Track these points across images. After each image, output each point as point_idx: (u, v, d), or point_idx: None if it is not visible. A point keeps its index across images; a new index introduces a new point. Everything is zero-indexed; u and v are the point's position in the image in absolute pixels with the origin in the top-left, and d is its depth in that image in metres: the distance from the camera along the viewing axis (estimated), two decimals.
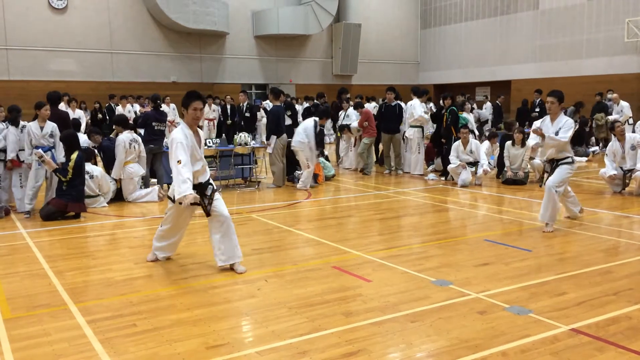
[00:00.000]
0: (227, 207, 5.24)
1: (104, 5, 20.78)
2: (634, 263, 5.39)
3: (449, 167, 10.70)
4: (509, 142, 10.84)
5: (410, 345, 3.60)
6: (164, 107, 14.65)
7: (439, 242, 6.35)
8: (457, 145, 10.71)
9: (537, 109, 17.16)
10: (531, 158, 10.46)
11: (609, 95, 17.61)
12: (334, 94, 17.63)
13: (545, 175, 7.01)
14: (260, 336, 3.77)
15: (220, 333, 3.82)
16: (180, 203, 4.93)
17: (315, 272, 5.17)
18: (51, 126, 8.05)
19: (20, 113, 8.22)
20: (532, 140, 6.90)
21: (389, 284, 4.81)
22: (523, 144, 10.47)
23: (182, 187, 4.78)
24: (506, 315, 4.08)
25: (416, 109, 11.75)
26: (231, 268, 5.21)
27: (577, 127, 16.13)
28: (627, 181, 9.38)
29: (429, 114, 12.63)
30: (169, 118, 13.83)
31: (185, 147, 4.91)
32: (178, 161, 4.85)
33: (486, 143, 11.52)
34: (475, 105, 18.70)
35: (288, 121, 13.10)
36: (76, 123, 10.07)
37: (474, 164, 10.65)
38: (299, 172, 11.10)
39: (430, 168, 12.42)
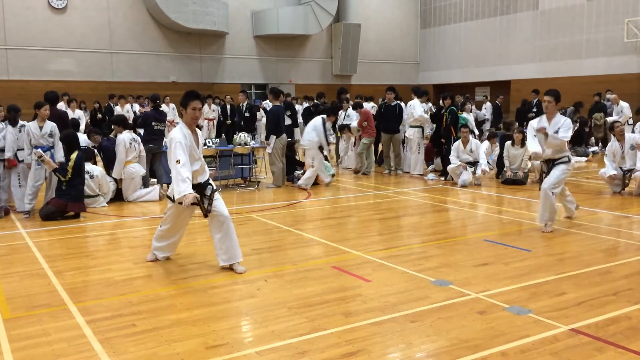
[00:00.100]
0: (226, 207, 5.24)
1: (103, 5, 20.78)
2: (634, 263, 5.39)
3: (449, 167, 10.70)
4: (508, 142, 10.84)
5: (409, 345, 3.60)
6: (163, 107, 14.66)
7: (438, 242, 6.35)
8: (457, 144, 10.71)
9: (534, 109, 17.17)
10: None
11: (608, 96, 17.62)
12: (334, 94, 17.66)
13: (543, 175, 6.99)
14: (260, 336, 3.77)
15: (220, 333, 3.82)
16: (180, 203, 4.93)
17: (315, 272, 5.16)
18: (50, 126, 8.05)
19: (19, 113, 8.22)
20: (532, 147, 6.82)
21: (388, 284, 4.81)
22: (522, 144, 10.47)
23: (182, 186, 4.78)
24: (506, 315, 4.08)
25: (416, 109, 11.75)
26: (230, 268, 5.21)
27: (576, 127, 16.19)
28: (626, 181, 9.39)
29: (429, 114, 12.64)
30: (168, 118, 13.83)
31: (184, 146, 4.91)
32: (177, 161, 4.85)
33: (486, 143, 11.52)
34: (474, 106, 18.71)
35: (288, 121, 13.11)
36: (75, 123, 10.07)
37: (474, 163, 10.65)
38: (298, 172, 11.10)
39: (430, 168, 12.42)
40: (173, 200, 5.19)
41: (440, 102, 12.26)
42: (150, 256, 5.60)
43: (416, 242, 6.41)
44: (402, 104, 12.35)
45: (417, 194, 9.72)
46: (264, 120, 15.46)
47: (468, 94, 22.50)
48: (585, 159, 14.78)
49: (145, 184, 9.54)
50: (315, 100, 15.68)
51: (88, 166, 8.55)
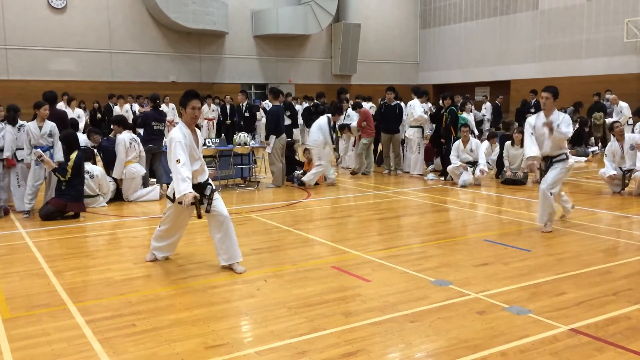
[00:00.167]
0: (226, 207, 5.24)
1: (103, 5, 20.77)
2: (633, 263, 5.39)
3: (449, 167, 10.70)
4: (508, 142, 10.84)
5: (409, 345, 3.60)
6: (163, 107, 14.64)
7: (438, 242, 6.35)
8: (457, 144, 10.72)
9: (532, 110, 17.19)
10: None
11: (607, 96, 17.64)
12: (334, 93, 17.65)
13: (539, 172, 6.94)
14: (260, 336, 3.77)
15: (220, 333, 3.82)
16: (180, 203, 4.93)
17: (315, 272, 5.16)
18: (50, 125, 8.04)
19: (18, 112, 8.22)
20: (528, 150, 6.80)
21: (388, 284, 4.81)
22: (522, 144, 10.44)
23: (182, 186, 4.77)
24: (505, 315, 4.08)
25: (416, 109, 11.75)
26: (230, 268, 5.21)
27: (576, 127, 16.20)
28: (626, 181, 9.39)
29: (429, 114, 12.63)
30: (168, 118, 13.82)
31: (184, 146, 4.91)
32: (177, 160, 4.84)
33: (485, 143, 11.52)
34: (472, 106, 18.72)
35: (287, 121, 13.11)
36: (74, 123, 10.06)
37: (474, 163, 10.65)
38: (298, 171, 11.10)
39: (430, 168, 12.42)
40: (172, 200, 5.19)
41: (440, 102, 12.26)
42: (150, 256, 5.60)
43: (416, 242, 6.41)
44: (402, 104, 12.36)
45: (417, 194, 9.72)
46: (264, 120, 15.47)
47: (468, 94, 22.49)
48: (585, 159, 14.79)
49: (145, 183, 9.54)
50: (315, 100, 15.66)
51: (88, 166, 8.56)
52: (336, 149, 14.41)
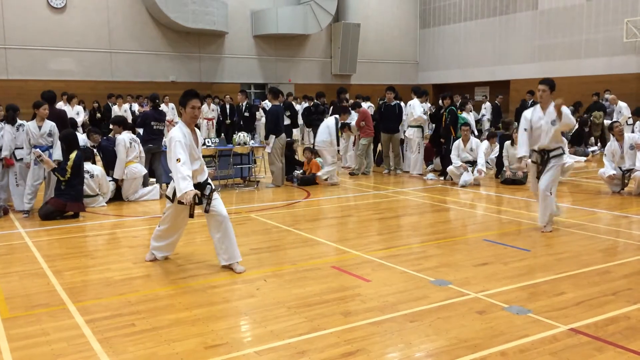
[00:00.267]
0: (225, 207, 5.24)
1: (102, 5, 20.76)
2: (633, 263, 5.39)
3: (450, 168, 10.71)
4: (507, 142, 10.84)
5: (409, 345, 3.60)
6: (162, 107, 14.64)
7: (437, 242, 6.35)
8: (457, 143, 10.73)
9: None
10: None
11: (606, 96, 17.65)
12: (333, 93, 17.65)
13: (533, 164, 6.77)
14: (259, 336, 3.77)
15: (219, 333, 3.82)
16: (180, 202, 4.94)
17: (314, 272, 5.16)
18: (49, 125, 8.03)
19: (17, 112, 8.22)
20: (520, 150, 6.77)
21: (388, 283, 4.81)
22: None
23: (182, 184, 4.78)
24: (505, 315, 4.08)
25: (415, 109, 11.75)
26: (230, 268, 5.21)
27: (576, 127, 16.20)
28: (625, 181, 9.39)
29: (428, 114, 12.63)
30: (167, 117, 13.82)
31: (184, 145, 4.92)
32: (177, 159, 4.85)
33: (485, 143, 11.52)
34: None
35: (287, 121, 13.11)
36: (73, 122, 10.06)
37: (474, 162, 10.66)
38: (298, 171, 11.10)
39: (429, 168, 12.42)
40: (172, 200, 5.20)
41: (440, 102, 12.26)
42: (149, 256, 5.59)
43: (415, 242, 6.41)
44: (402, 104, 12.35)
45: (417, 194, 9.72)
46: (263, 119, 15.47)
47: (467, 94, 22.49)
48: (585, 158, 14.79)
49: (145, 183, 9.54)
50: (315, 100, 15.66)
51: (88, 165, 8.55)
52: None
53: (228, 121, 18.09)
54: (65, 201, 7.64)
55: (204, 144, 9.51)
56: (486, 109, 20.71)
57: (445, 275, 5.00)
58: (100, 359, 3.44)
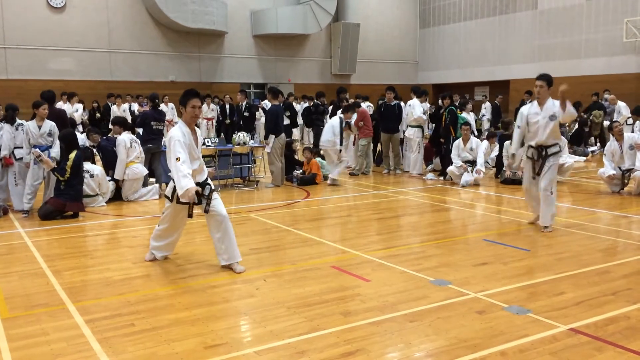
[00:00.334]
0: (225, 207, 5.24)
1: (102, 4, 20.75)
2: (633, 263, 5.39)
3: (450, 168, 10.71)
4: (507, 142, 10.81)
5: (408, 345, 3.60)
6: (162, 107, 14.64)
7: (437, 242, 6.35)
8: (457, 142, 10.74)
9: None
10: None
11: (606, 96, 17.66)
12: (333, 93, 17.63)
13: (529, 160, 6.76)
14: (259, 336, 3.77)
15: (219, 333, 3.81)
16: (179, 202, 4.93)
17: (314, 272, 5.16)
18: (49, 125, 8.03)
19: (16, 111, 8.22)
20: (513, 147, 6.76)
21: (387, 283, 4.81)
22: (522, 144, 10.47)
23: (183, 181, 4.78)
24: (505, 314, 4.08)
25: (415, 108, 11.75)
26: (229, 267, 5.21)
27: (576, 127, 16.20)
28: (625, 181, 9.39)
29: (427, 114, 12.63)
30: (167, 117, 13.82)
31: (183, 144, 4.92)
32: (177, 158, 4.85)
33: (485, 143, 11.52)
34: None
35: (286, 121, 13.10)
36: (73, 122, 10.06)
37: (474, 162, 10.65)
38: (297, 171, 11.10)
39: (429, 168, 12.42)
40: (170, 200, 5.20)
41: (440, 101, 12.25)
42: (149, 256, 5.59)
43: (415, 242, 6.41)
44: (402, 104, 12.34)
45: (416, 194, 9.72)
46: (263, 119, 15.47)
47: (467, 93, 22.48)
48: (585, 158, 14.80)
49: (145, 183, 9.54)
50: (315, 100, 15.66)
51: (88, 165, 8.55)
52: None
53: (228, 121, 18.09)
54: (65, 201, 7.63)
55: (203, 144, 9.50)
56: (486, 108, 20.72)
57: (445, 275, 5.00)
58: (99, 359, 3.44)
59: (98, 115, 18.38)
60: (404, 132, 12.37)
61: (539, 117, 6.57)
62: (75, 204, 7.74)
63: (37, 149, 7.77)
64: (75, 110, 15.05)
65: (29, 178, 7.89)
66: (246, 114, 15.94)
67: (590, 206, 8.34)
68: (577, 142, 15.68)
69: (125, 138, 9.10)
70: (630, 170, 9.25)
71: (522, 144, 6.89)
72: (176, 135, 4.93)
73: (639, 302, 4.30)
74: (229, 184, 10.77)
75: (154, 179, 9.89)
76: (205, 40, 22.87)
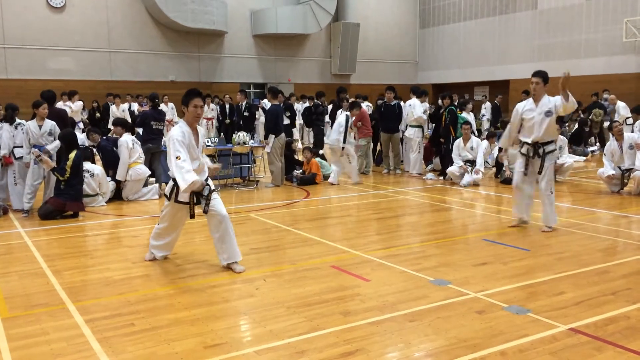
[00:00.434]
0: (225, 207, 5.24)
1: (102, 4, 20.75)
2: (632, 263, 5.40)
3: (450, 169, 10.71)
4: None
5: (408, 345, 3.60)
6: (162, 106, 14.64)
7: (437, 242, 6.35)
8: (458, 142, 10.75)
9: None
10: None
11: (605, 96, 17.67)
12: (333, 93, 17.63)
13: (522, 156, 6.72)
14: (259, 335, 3.77)
15: (218, 332, 3.81)
16: (177, 201, 4.94)
17: (314, 272, 5.16)
18: (50, 124, 8.04)
19: (16, 111, 8.22)
20: (501, 141, 6.76)
21: (387, 283, 4.81)
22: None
23: (187, 176, 4.80)
24: (505, 314, 4.08)
25: (416, 108, 11.75)
26: (229, 267, 5.21)
27: (576, 126, 16.20)
28: (625, 181, 9.39)
29: (427, 114, 12.62)
30: (167, 117, 13.81)
31: (182, 144, 4.92)
32: (177, 157, 4.86)
33: (485, 142, 11.53)
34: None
35: (286, 121, 13.09)
36: (73, 122, 10.06)
37: (474, 162, 10.66)
38: (297, 171, 11.10)
39: (429, 168, 12.42)
40: (169, 198, 5.20)
41: (439, 101, 12.24)
42: (149, 255, 5.59)
43: (415, 242, 6.41)
44: (402, 103, 12.34)
45: (416, 194, 9.72)
46: (262, 119, 15.47)
47: (467, 93, 22.47)
48: (584, 158, 14.80)
49: (145, 183, 9.54)
50: (315, 100, 15.66)
51: (88, 165, 8.55)
52: None
53: (227, 121, 18.09)
54: (65, 201, 7.63)
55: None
56: (486, 108, 20.72)
57: (445, 275, 5.00)
58: (99, 359, 3.44)
59: (98, 115, 18.36)
60: (403, 132, 12.37)
61: (534, 113, 6.57)
62: (75, 204, 7.74)
63: (37, 149, 7.77)
64: (77, 108, 15.07)
65: (28, 178, 7.90)
66: (246, 113, 15.94)
67: (590, 206, 8.34)
68: (577, 142, 15.69)
69: (127, 139, 9.11)
70: (629, 170, 9.26)
71: (518, 141, 6.89)
72: (175, 135, 4.94)
73: (639, 302, 4.30)
74: (228, 184, 10.77)
75: (153, 179, 9.89)
76: (205, 40, 22.86)
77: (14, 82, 19.06)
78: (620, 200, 8.87)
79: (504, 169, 10.76)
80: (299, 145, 15.78)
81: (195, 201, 5.11)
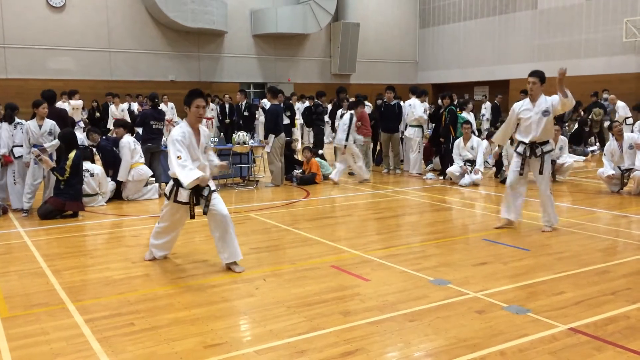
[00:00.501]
0: (225, 206, 5.24)
1: (102, 4, 20.74)
2: (632, 262, 5.40)
3: (450, 169, 10.70)
4: (507, 142, 10.82)
5: (408, 345, 3.60)
6: (162, 106, 14.64)
7: (437, 242, 6.35)
8: (458, 142, 10.75)
9: None
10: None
11: (605, 95, 17.67)
12: (333, 93, 17.63)
13: (518, 155, 6.69)
14: (258, 335, 3.77)
15: (218, 332, 3.81)
16: (177, 200, 4.95)
17: (314, 272, 5.16)
18: (50, 124, 8.04)
19: (15, 110, 8.22)
20: (495, 137, 6.79)
21: (387, 283, 4.81)
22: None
23: (191, 173, 4.82)
24: (504, 314, 4.08)
25: (416, 108, 11.75)
26: (229, 267, 5.21)
27: (575, 126, 16.20)
28: (625, 181, 9.40)
29: (427, 114, 12.62)
30: (167, 117, 13.82)
31: (182, 144, 4.92)
32: (178, 157, 4.87)
33: (485, 142, 11.52)
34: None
35: (286, 120, 13.09)
36: (73, 122, 10.06)
37: (474, 162, 10.66)
38: (297, 171, 11.10)
39: (429, 167, 12.42)
40: (168, 198, 5.21)
41: (439, 101, 12.24)
42: (149, 255, 5.59)
43: (415, 242, 6.41)
44: (402, 103, 12.34)
45: (416, 194, 9.72)
46: (262, 119, 15.47)
47: (467, 93, 22.46)
48: (584, 158, 14.80)
49: (145, 183, 9.53)
50: (315, 100, 15.66)
51: (88, 164, 8.55)
52: (334, 148, 14.39)
53: (227, 121, 18.08)
54: (65, 200, 7.63)
55: None
56: (486, 108, 20.72)
57: (445, 275, 5.00)
58: (99, 359, 3.44)
59: (97, 114, 18.35)
60: (403, 131, 12.37)
61: (531, 112, 6.57)
62: (75, 204, 7.74)
63: (36, 149, 7.77)
64: (77, 105, 15.06)
65: (28, 177, 7.90)
66: (246, 113, 15.93)
67: (590, 206, 8.34)
68: (577, 141, 15.69)
69: (129, 140, 9.11)
70: (629, 170, 9.26)
71: (511, 140, 6.92)
72: (175, 135, 4.96)
73: (639, 302, 4.30)
74: (228, 184, 10.77)
75: (153, 179, 9.88)
76: (205, 39, 22.86)
77: (13, 82, 19.05)
78: (620, 200, 8.87)
79: (503, 168, 10.76)
80: (299, 145, 15.78)
81: (195, 202, 5.11)
